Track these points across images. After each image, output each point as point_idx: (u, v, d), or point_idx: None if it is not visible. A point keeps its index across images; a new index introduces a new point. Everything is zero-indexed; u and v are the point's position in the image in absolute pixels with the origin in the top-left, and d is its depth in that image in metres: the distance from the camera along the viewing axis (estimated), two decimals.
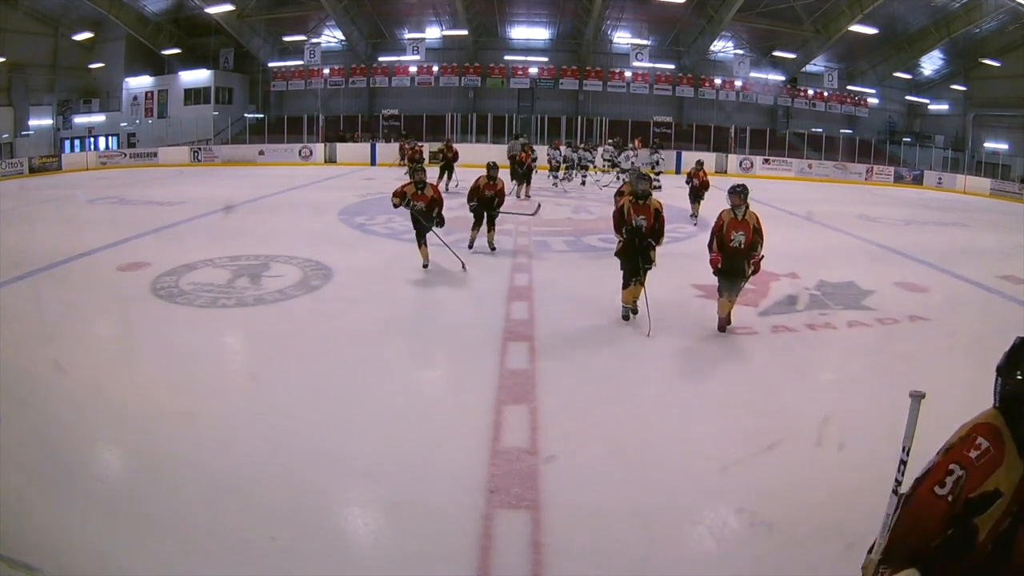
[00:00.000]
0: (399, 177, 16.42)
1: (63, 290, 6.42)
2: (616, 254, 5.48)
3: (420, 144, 18.00)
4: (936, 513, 1.46)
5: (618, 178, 17.83)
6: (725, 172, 22.14)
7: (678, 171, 20.05)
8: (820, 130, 25.07)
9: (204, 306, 5.80)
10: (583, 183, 16.46)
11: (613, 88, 25.30)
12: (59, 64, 24.52)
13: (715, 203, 11.75)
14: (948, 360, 4.97)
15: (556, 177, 16.07)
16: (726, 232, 5.09)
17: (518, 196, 13.19)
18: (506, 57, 25.47)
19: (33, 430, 3.47)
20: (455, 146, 15.65)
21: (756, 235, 5.09)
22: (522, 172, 13.54)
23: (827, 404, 4.01)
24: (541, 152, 17.34)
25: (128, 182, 16.25)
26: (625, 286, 5.43)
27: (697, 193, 11.07)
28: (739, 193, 5.10)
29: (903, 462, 1.69)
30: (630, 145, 17.73)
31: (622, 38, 25.33)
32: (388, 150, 21.62)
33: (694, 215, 11.01)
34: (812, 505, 2.97)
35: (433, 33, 24.95)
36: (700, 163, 11.58)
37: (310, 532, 2.70)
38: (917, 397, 1.73)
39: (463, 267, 7.23)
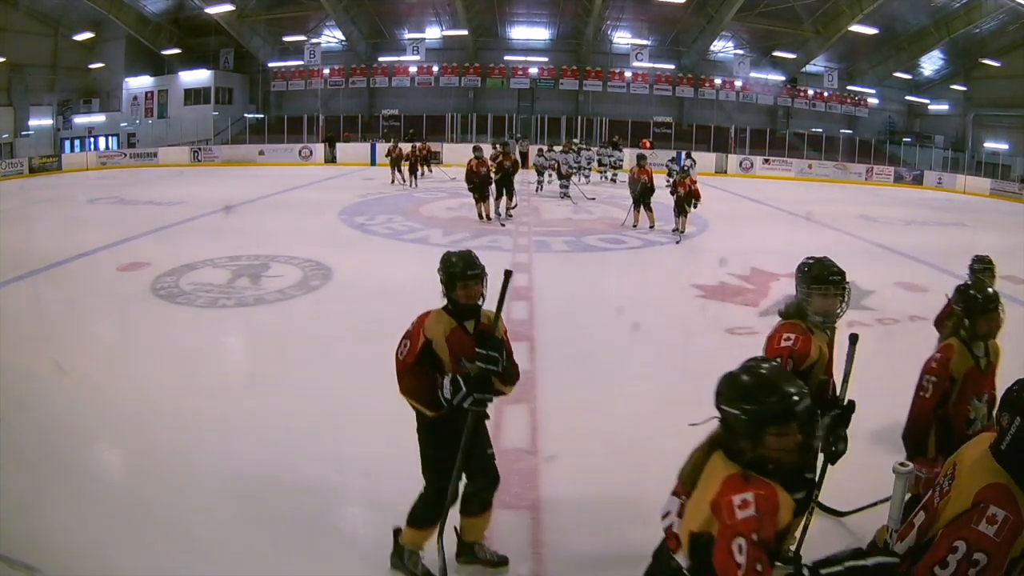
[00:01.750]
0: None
1: (63, 290, 6.42)
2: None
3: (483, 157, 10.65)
4: None
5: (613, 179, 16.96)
6: (725, 172, 22.15)
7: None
8: (820, 130, 25.07)
9: (204, 306, 5.80)
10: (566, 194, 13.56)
11: (613, 88, 25.30)
12: (59, 64, 24.52)
13: (711, 209, 11.78)
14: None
15: (563, 186, 13.61)
16: (960, 396, 2.29)
17: (634, 223, 10.18)
18: (506, 57, 25.48)
19: (33, 430, 3.46)
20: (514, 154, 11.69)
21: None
22: (639, 195, 10.10)
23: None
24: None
25: (128, 182, 16.26)
26: None
27: (682, 205, 9.39)
28: (995, 306, 2.42)
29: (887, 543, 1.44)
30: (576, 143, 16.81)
31: (622, 38, 25.33)
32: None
33: (678, 230, 9.48)
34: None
35: (433, 33, 24.96)
36: (686, 169, 9.93)
37: (310, 532, 2.70)
38: (904, 474, 1.42)
39: None
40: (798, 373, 2.14)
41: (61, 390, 4.03)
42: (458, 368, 2.22)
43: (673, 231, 9.56)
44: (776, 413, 1.36)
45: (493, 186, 10.42)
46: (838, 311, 2.26)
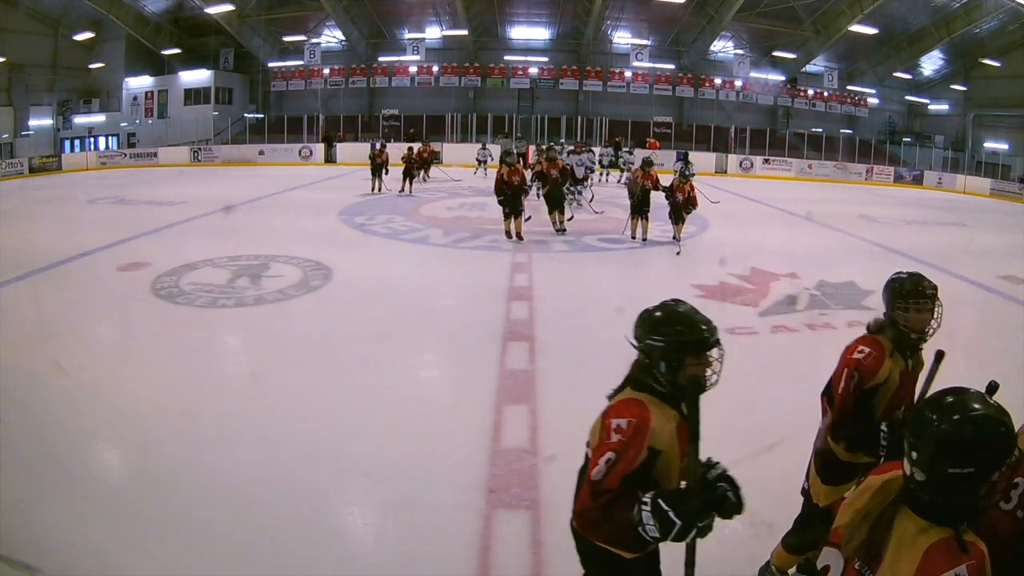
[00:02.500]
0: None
1: (63, 290, 6.42)
2: None
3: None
4: (1008, 530, 1.34)
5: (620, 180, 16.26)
6: (725, 172, 22.15)
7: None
8: (820, 130, 25.08)
9: (204, 306, 5.79)
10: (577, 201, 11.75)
11: (613, 88, 25.31)
12: (59, 64, 24.52)
13: (711, 209, 11.74)
14: (948, 360, 4.96)
15: (578, 193, 11.79)
16: None
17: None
18: (506, 57, 25.48)
19: (33, 430, 3.46)
20: (562, 157, 10.59)
21: None
22: (639, 201, 9.07)
23: None
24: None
25: (128, 182, 16.25)
26: None
27: (680, 212, 8.64)
28: None
29: None
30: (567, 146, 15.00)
31: (622, 38, 25.33)
32: (391, 151, 20.16)
33: (676, 238, 8.78)
34: None
35: (433, 33, 24.96)
36: (685, 173, 8.87)
37: (310, 532, 2.70)
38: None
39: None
40: (864, 391, 2.09)
41: (61, 390, 4.02)
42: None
43: (673, 239, 8.82)
44: (1006, 454, 1.15)
45: (542, 200, 9.36)
46: (929, 328, 2.17)
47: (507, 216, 8.85)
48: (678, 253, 8.47)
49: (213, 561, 2.51)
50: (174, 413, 3.68)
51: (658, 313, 1.66)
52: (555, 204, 9.51)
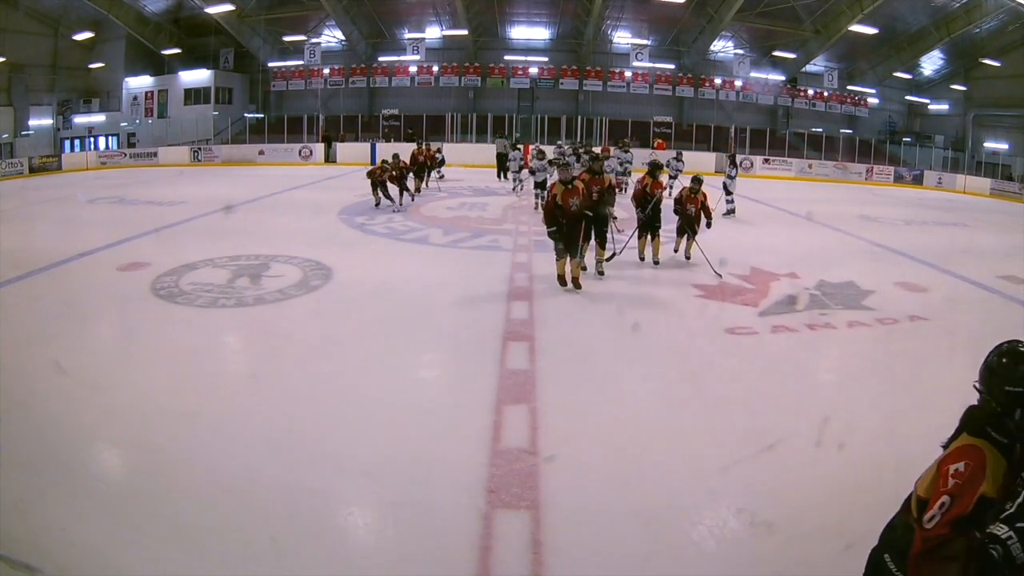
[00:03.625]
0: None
1: (63, 290, 6.41)
2: None
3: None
4: None
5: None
6: (725, 172, 22.13)
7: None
8: (820, 130, 25.10)
9: (204, 306, 5.79)
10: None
11: (613, 88, 25.32)
12: (59, 64, 24.54)
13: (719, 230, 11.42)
14: (948, 360, 4.97)
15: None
16: None
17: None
18: (506, 57, 25.49)
19: (33, 430, 3.46)
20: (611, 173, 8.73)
21: None
22: (649, 216, 7.49)
23: (827, 404, 4.01)
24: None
25: (128, 182, 16.25)
26: None
27: (692, 225, 7.58)
28: None
29: None
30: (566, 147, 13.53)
31: (622, 38, 25.35)
32: (389, 150, 17.66)
33: (677, 251, 7.92)
34: (812, 505, 2.96)
35: (433, 33, 24.98)
36: (699, 181, 7.58)
37: (310, 532, 2.70)
38: None
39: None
40: None
41: (61, 390, 4.02)
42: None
43: (674, 251, 7.92)
44: None
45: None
46: None
47: (560, 254, 6.30)
48: (720, 276, 7.07)
49: (213, 561, 2.51)
50: (174, 413, 3.67)
51: (1005, 359, 1.60)
52: (589, 234, 6.63)
